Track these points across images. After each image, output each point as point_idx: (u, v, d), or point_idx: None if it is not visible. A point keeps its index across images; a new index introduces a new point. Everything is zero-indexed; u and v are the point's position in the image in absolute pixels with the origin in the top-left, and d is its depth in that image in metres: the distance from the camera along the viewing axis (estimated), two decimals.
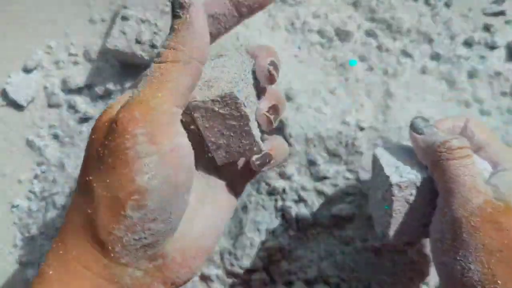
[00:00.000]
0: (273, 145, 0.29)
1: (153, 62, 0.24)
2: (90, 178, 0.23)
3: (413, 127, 0.29)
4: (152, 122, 0.22)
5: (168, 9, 0.43)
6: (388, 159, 0.30)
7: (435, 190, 0.27)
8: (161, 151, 0.23)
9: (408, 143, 0.33)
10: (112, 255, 0.23)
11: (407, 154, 0.30)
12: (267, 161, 0.28)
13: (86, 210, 0.23)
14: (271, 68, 0.27)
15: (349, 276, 0.38)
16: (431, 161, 0.27)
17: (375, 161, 0.31)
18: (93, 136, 0.25)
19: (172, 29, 0.24)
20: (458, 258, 0.25)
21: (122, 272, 0.24)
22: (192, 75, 0.24)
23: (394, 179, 0.27)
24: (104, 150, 0.23)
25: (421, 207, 0.28)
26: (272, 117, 0.28)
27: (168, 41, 0.24)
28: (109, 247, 0.23)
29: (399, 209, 0.28)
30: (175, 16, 0.24)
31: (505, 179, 0.27)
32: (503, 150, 0.29)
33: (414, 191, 0.27)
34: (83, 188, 0.24)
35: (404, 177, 0.27)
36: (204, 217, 0.27)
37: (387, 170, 0.28)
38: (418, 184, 0.27)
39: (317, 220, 0.39)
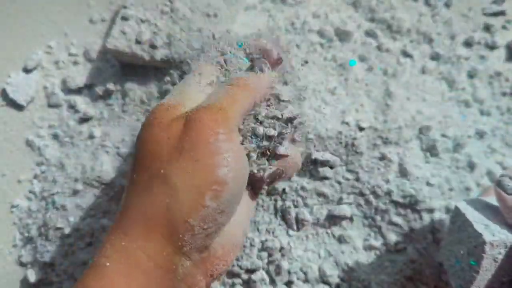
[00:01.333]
0: (287, 161, 0.31)
1: (227, 84, 0.29)
2: (166, 171, 0.25)
3: (501, 186, 0.29)
4: (229, 127, 0.27)
5: (167, 9, 0.43)
6: (474, 215, 0.31)
7: None
8: (235, 148, 0.26)
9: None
10: (180, 243, 0.25)
11: (490, 211, 0.31)
12: (277, 177, 0.31)
13: (158, 201, 0.25)
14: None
15: (349, 276, 0.38)
16: None
17: (458, 214, 0.32)
18: (161, 134, 0.27)
19: (244, 71, 0.31)
20: None
21: (179, 261, 0.26)
22: (250, 105, 0.29)
23: (487, 237, 0.28)
24: (185, 144, 0.25)
25: (505, 265, 0.29)
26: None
27: (243, 76, 0.30)
28: (180, 235, 0.25)
29: (486, 267, 0.29)
30: (251, 68, 0.31)
31: None
32: None
33: (502, 250, 0.28)
34: (151, 182, 0.26)
35: (496, 236, 0.28)
36: (236, 215, 0.29)
37: (478, 227, 0.29)
38: (508, 244, 0.28)
39: (317, 220, 0.39)
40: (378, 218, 0.39)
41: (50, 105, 0.47)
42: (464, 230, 0.30)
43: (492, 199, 0.31)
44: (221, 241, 0.28)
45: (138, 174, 0.27)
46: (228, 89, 0.29)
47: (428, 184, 0.38)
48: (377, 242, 0.38)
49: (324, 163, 0.39)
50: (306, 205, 0.39)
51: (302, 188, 0.39)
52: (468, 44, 0.44)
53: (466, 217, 0.30)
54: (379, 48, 0.44)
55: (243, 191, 0.28)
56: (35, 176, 0.45)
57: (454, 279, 0.31)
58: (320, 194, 0.39)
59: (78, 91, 0.47)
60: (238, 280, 0.39)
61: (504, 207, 0.29)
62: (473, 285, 0.29)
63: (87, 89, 0.47)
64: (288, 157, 0.31)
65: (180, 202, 0.25)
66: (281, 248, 0.39)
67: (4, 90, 0.47)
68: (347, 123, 0.40)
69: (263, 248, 0.39)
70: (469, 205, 0.32)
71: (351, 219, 0.39)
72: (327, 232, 0.39)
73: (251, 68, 0.32)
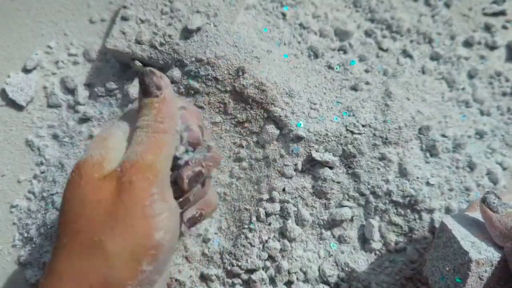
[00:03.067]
0: (205, 201, 0.32)
1: (144, 131, 0.27)
2: (101, 238, 0.25)
3: (487, 203, 0.29)
4: (162, 183, 0.26)
5: (167, 9, 0.43)
6: (460, 231, 0.30)
7: (507, 268, 0.28)
8: (170, 208, 0.26)
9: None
10: None
11: (476, 228, 0.31)
12: (197, 220, 0.31)
13: (95, 269, 0.24)
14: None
15: (349, 276, 0.38)
16: (510, 244, 0.27)
17: (444, 230, 0.31)
18: (90, 196, 0.25)
19: (150, 106, 0.28)
20: None
21: None
22: (174, 144, 0.28)
23: (474, 255, 0.28)
24: (119, 209, 0.25)
25: (491, 283, 0.28)
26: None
27: (155, 116, 0.27)
28: None
29: (472, 285, 0.28)
30: (153, 95, 0.28)
31: None
32: None
33: (488, 269, 0.28)
34: (86, 248, 0.25)
35: (483, 254, 0.28)
36: None
37: (464, 244, 0.29)
38: (494, 262, 0.28)
39: (317, 220, 0.39)
40: (378, 218, 0.39)
41: (50, 105, 0.47)
42: (450, 246, 0.30)
43: (478, 215, 0.31)
44: None
45: (69, 238, 0.25)
46: (150, 138, 0.27)
47: (428, 184, 0.38)
48: (377, 243, 0.38)
49: (324, 164, 0.39)
50: (306, 205, 0.39)
51: (303, 188, 0.39)
52: (468, 44, 0.44)
53: (453, 233, 0.30)
54: (379, 48, 0.44)
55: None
56: (35, 176, 0.45)
57: None
58: (320, 194, 0.39)
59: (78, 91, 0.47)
60: (238, 280, 0.39)
61: (490, 225, 0.29)
62: None
63: (87, 89, 0.47)
64: (206, 198, 0.32)
65: (118, 270, 0.24)
66: (281, 248, 0.39)
67: (4, 90, 0.47)
68: (346, 123, 0.40)
69: (263, 248, 0.39)
70: (455, 221, 0.32)
71: (351, 219, 0.39)
72: (327, 232, 0.39)
73: (143, 93, 0.28)
